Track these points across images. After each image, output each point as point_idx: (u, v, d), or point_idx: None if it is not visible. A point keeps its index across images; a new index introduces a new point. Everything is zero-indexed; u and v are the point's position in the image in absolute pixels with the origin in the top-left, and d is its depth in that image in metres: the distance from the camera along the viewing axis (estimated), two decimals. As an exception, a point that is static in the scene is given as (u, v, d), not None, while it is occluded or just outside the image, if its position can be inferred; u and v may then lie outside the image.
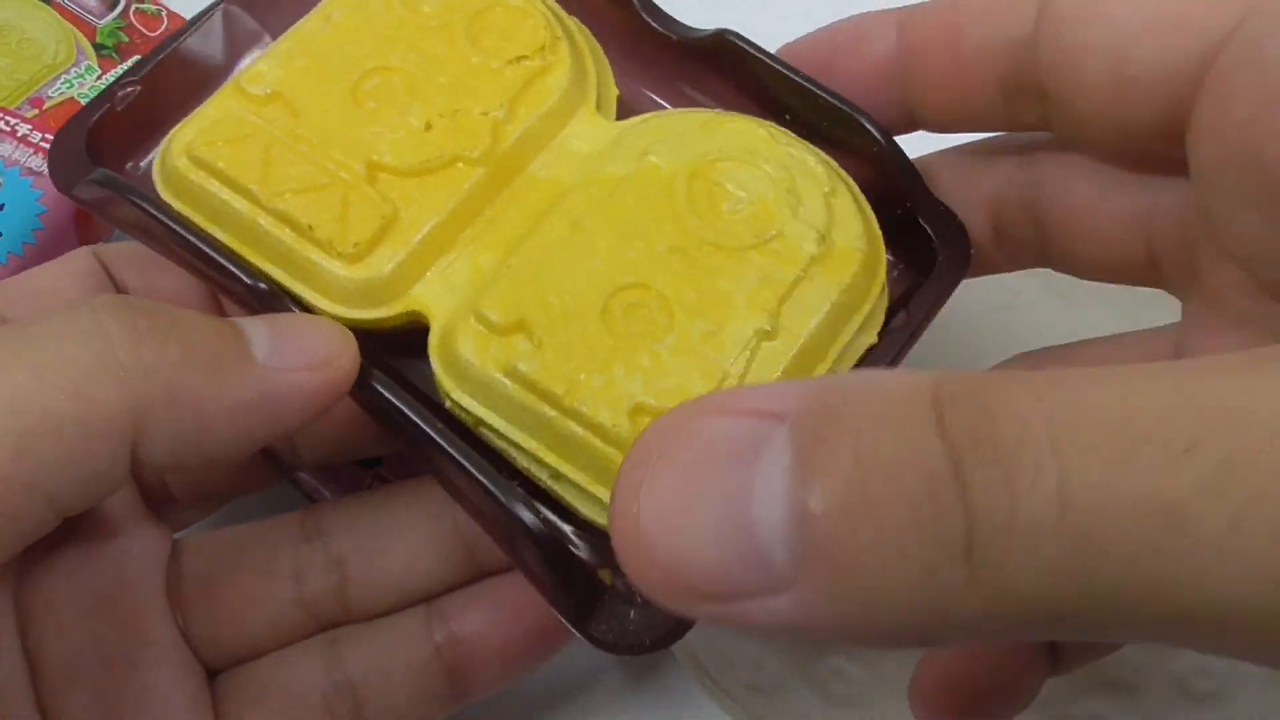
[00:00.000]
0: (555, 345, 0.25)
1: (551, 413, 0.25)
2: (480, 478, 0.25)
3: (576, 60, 0.29)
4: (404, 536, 0.29)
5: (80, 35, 0.41)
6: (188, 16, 0.43)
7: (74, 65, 0.41)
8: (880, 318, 0.27)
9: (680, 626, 0.24)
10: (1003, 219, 0.29)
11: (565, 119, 0.28)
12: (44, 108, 0.39)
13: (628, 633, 0.24)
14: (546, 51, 0.28)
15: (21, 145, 0.38)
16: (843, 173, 0.28)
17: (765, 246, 0.26)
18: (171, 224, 0.26)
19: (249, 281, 0.26)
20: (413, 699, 0.29)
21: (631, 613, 0.24)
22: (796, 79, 0.29)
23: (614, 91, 0.30)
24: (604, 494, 0.24)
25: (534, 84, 0.28)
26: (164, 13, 0.43)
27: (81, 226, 0.39)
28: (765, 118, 0.29)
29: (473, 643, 0.29)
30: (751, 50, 0.29)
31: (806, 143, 0.28)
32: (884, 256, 0.27)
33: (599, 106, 0.29)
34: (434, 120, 0.27)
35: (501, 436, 0.25)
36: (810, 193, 0.27)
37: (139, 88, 0.28)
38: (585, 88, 0.29)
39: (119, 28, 0.42)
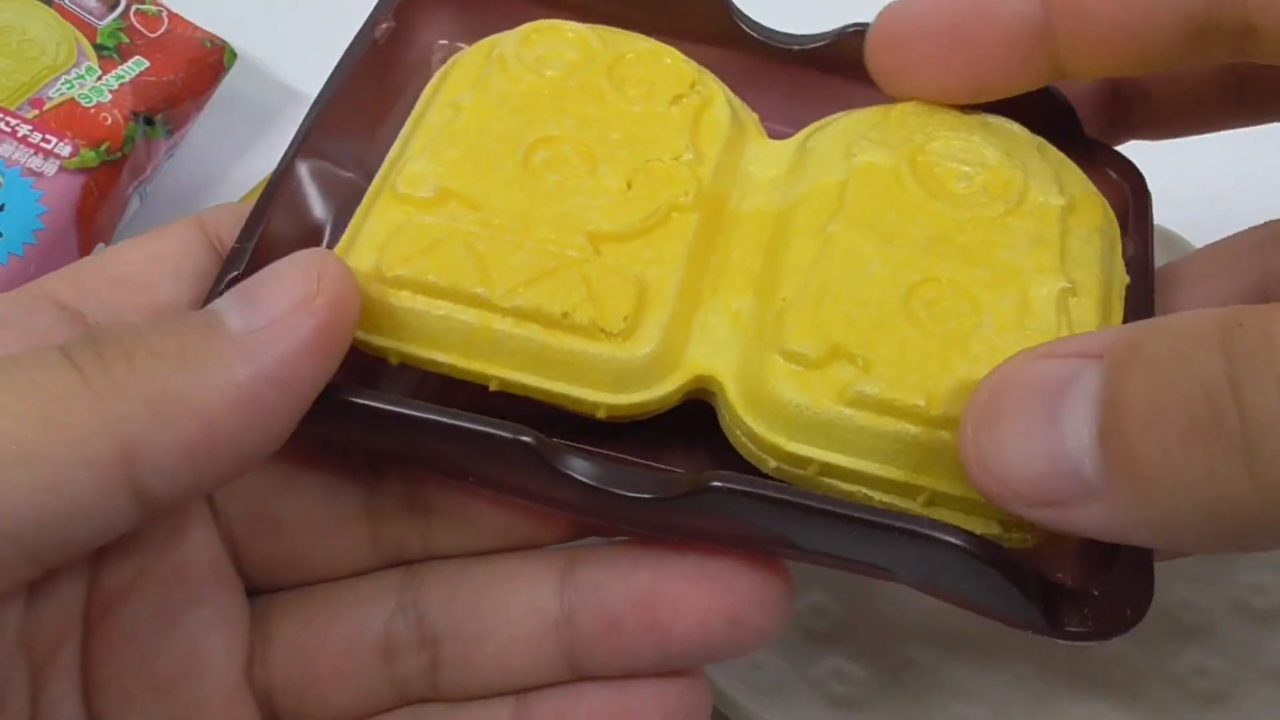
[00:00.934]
0: (883, 360, 0.23)
1: (916, 429, 0.22)
2: (875, 519, 0.22)
3: (724, 90, 0.28)
4: (504, 624, 0.26)
5: (81, 36, 0.41)
6: (188, 17, 0.43)
7: (74, 66, 0.41)
8: (1120, 253, 0.27)
9: (1142, 589, 0.22)
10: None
11: (740, 148, 0.27)
12: (44, 108, 0.39)
13: (1100, 616, 0.22)
14: (699, 86, 0.27)
15: (22, 146, 0.39)
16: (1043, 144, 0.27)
17: (1019, 210, 0.25)
18: (404, 410, 0.23)
19: (510, 436, 0.23)
20: None
21: (1095, 593, 0.23)
22: None
23: (754, 114, 0.28)
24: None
25: (702, 119, 0.27)
26: (164, 13, 0.43)
27: (82, 227, 0.39)
28: None
29: None
30: None
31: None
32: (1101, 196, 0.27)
33: (756, 128, 0.28)
34: (632, 177, 0.25)
35: (854, 477, 0.23)
36: (1024, 151, 0.26)
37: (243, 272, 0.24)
38: (740, 114, 0.28)
39: (119, 28, 0.42)
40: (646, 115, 0.26)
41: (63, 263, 0.38)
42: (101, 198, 0.39)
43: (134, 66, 0.41)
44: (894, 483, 0.23)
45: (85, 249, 0.39)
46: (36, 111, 0.39)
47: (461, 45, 0.29)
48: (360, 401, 0.23)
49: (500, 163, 0.25)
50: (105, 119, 0.40)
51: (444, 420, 0.23)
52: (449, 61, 0.28)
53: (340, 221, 0.26)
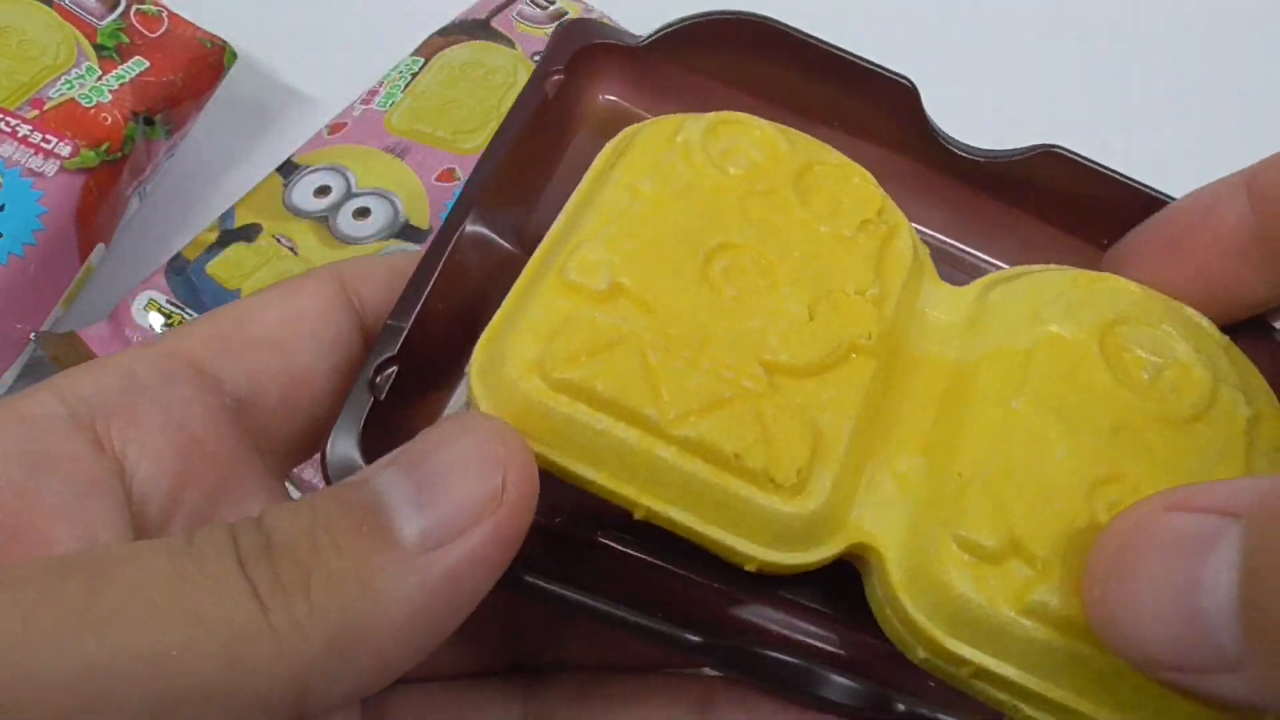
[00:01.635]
0: (1064, 565, 0.21)
1: (1090, 651, 0.21)
2: None
3: (910, 231, 0.26)
4: None
5: (81, 36, 0.41)
6: (188, 17, 0.43)
7: (74, 66, 0.41)
8: None
9: None
10: None
11: (918, 286, 0.25)
12: (44, 108, 0.39)
13: None
14: (885, 213, 0.25)
15: (22, 146, 0.38)
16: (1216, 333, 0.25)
17: (1207, 415, 0.23)
18: (582, 599, 0.22)
19: (696, 642, 0.22)
20: None
21: None
22: (1141, 188, 0.26)
23: (924, 247, 0.26)
24: None
25: (887, 251, 0.24)
26: (164, 13, 0.43)
27: (82, 227, 0.39)
28: (1092, 242, 0.27)
29: None
30: (1084, 163, 0.27)
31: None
32: None
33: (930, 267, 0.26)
34: (814, 305, 0.23)
35: (1010, 688, 0.21)
36: (1212, 350, 0.24)
37: (396, 366, 0.22)
38: (919, 249, 0.26)
39: (119, 28, 0.42)
40: (832, 238, 0.24)
41: (62, 262, 0.38)
42: (101, 198, 0.39)
43: (134, 66, 0.41)
44: (1052, 703, 0.21)
45: (85, 249, 0.39)
46: (36, 111, 0.39)
47: (626, 105, 0.28)
48: (533, 582, 0.22)
49: (679, 265, 0.23)
50: (105, 119, 0.40)
51: (625, 617, 0.22)
52: (625, 134, 0.26)
53: (494, 299, 0.23)
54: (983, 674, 0.21)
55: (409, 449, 0.20)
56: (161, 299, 0.39)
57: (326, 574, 0.19)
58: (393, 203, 0.39)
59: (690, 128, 0.25)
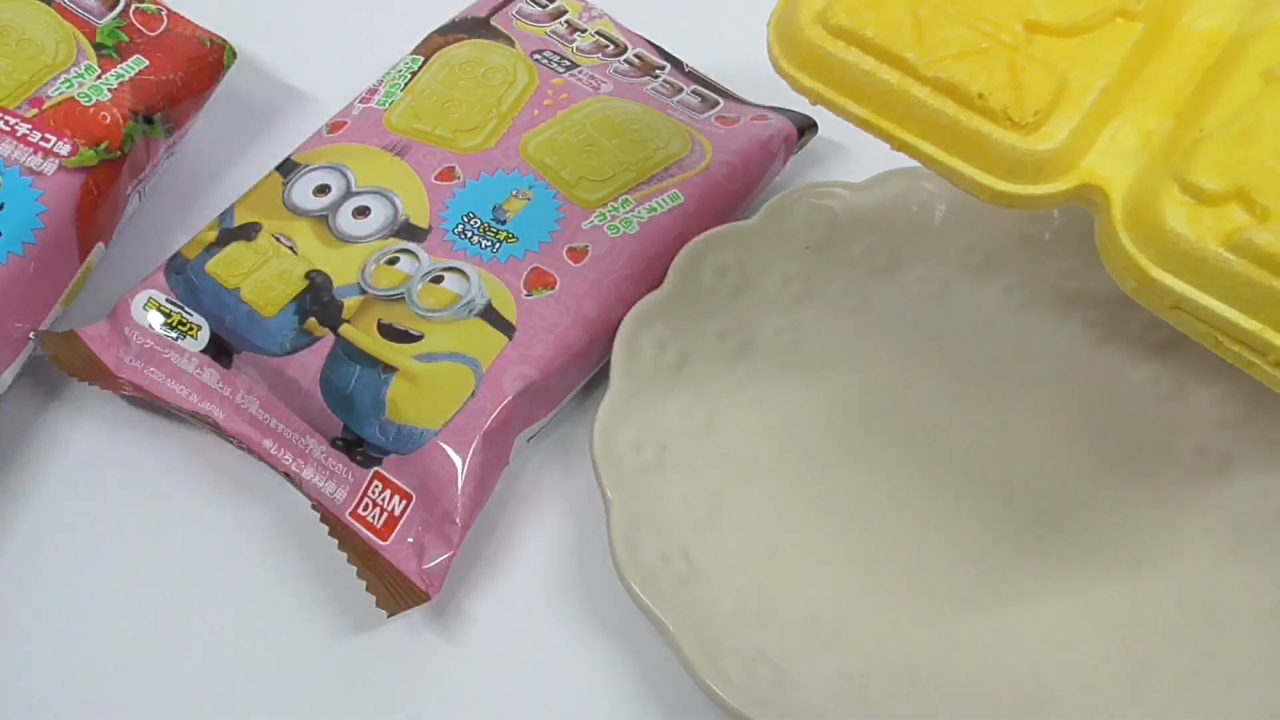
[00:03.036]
0: None
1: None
2: None
3: None
4: None
5: (80, 35, 0.41)
6: (187, 16, 0.43)
7: (74, 65, 0.41)
8: None
9: None
10: None
11: None
12: (44, 107, 0.39)
13: None
14: None
15: (21, 145, 0.38)
16: None
17: None
18: None
19: None
20: None
21: None
22: None
23: None
24: None
25: None
26: (164, 12, 0.43)
27: (82, 226, 0.39)
28: None
29: None
30: None
31: None
32: None
33: None
34: None
35: (1211, 318, 0.23)
36: None
37: None
38: None
39: (119, 27, 0.42)
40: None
41: (62, 261, 0.38)
42: (101, 197, 0.39)
43: (133, 65, 0.41)
44: (1250, 334, 0.23)
45: (84, 248, 0.39)
46: (36, 110, 0.39)
47: None
48: None
49: None
50: (104, 118, 0.40)
51: None
52: None
53: None
54: (1185, 303, 0.23)
55: None
56: (161, 298, 0.39)
57: None
58: (392, 201, 0.39)
59: None
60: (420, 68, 0.43)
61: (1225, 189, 0.23)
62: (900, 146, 0.25)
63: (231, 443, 0.37)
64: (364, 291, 0.38)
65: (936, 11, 0.25)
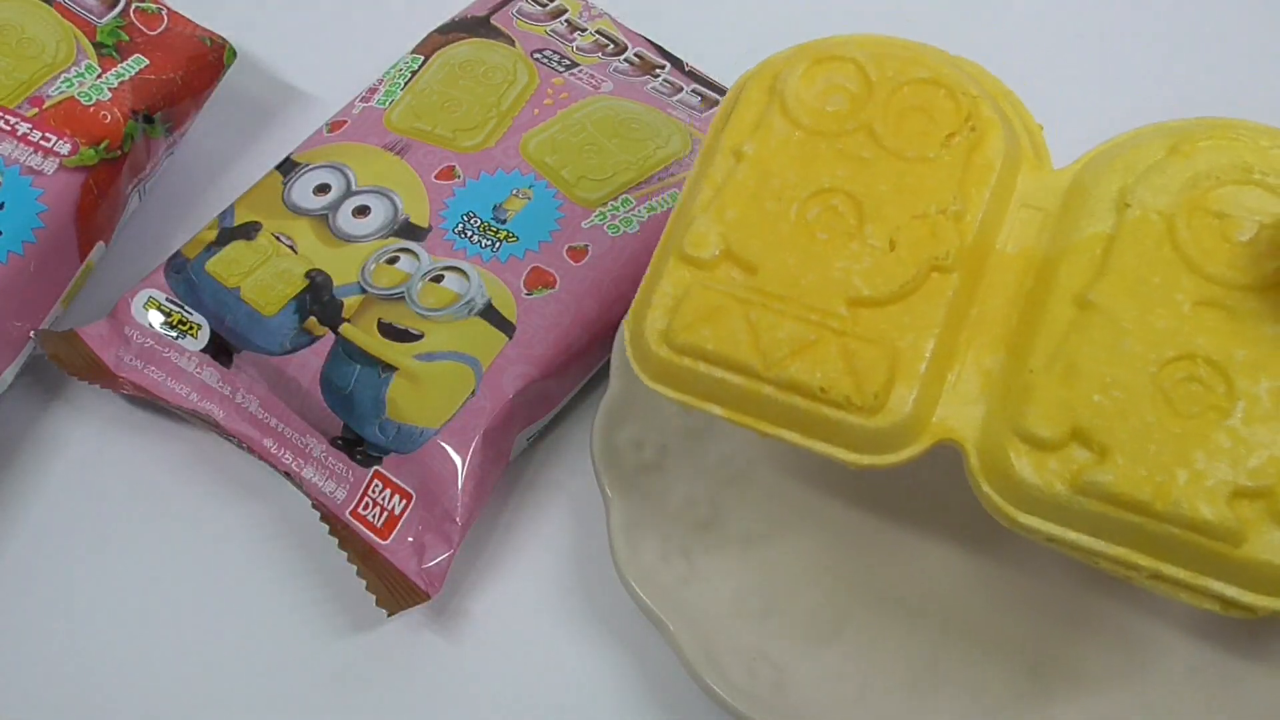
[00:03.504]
0: (1121, 449, 0.24)
1: (1141, 520, 0.24)
2: None
3: (1001, 116, 0.28)
4: None
5: (80, 34, 0.41)
6: (188, 15, 0.43)
7: (74, 64, 0.41)
8: None
9: None
10: None
11: (1012, 181, 0.27)
12: (44, 106, 0.39)
13: None
14: (973, 119, 0.27)
15: (21, 144, 0.38)
16: None
17: None
18: None
19: None
20: None
21: None
22: None
23: (1037, 126, 0.28)
24: (1217, 585, 0.24)
25: (973, 159, 0.27)
26: (164, 11, 0.43)
27: (82, 225, 0.39)
28: None
29: None
30: None
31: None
32: None
33: (1035, 156, 0.28)
34: (895, 234, 0.27)
35: (1079, 548, 0.25)
36: None
37: None
38: (1016, 140, 0.28)
39: (119, 26, 0.42)
40: (918, 161, 0.27)
41: (62, 260, 0.38)
42: (101, 196, 0.39)
43: (133, 64, 0.41)
44: (1117, 558, 0.24)
45: (84, 247, 0.39)
46: (36, 110, 0.39)
47: None
48: None
49: (777, 221, 0.27)
50: (105, 117, 0.40)
51: None
52: (738, 83, 0.29)
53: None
54: (1054, 540, 0.25)
55: None
56: (161, 297, 0.39)
57: None
58: (392, 200, 0.39)
59: (788, 74, 0.29)
60: (420, 67, 0.43)
61: (1060, 434, 0.24)
62: (764, 436, 0.27)
63: (231, 442, 0.37)
64: (364, 290, 0.38)
65: (766, 311, 0.26)
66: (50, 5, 0.42)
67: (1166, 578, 0.24)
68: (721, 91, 0.44)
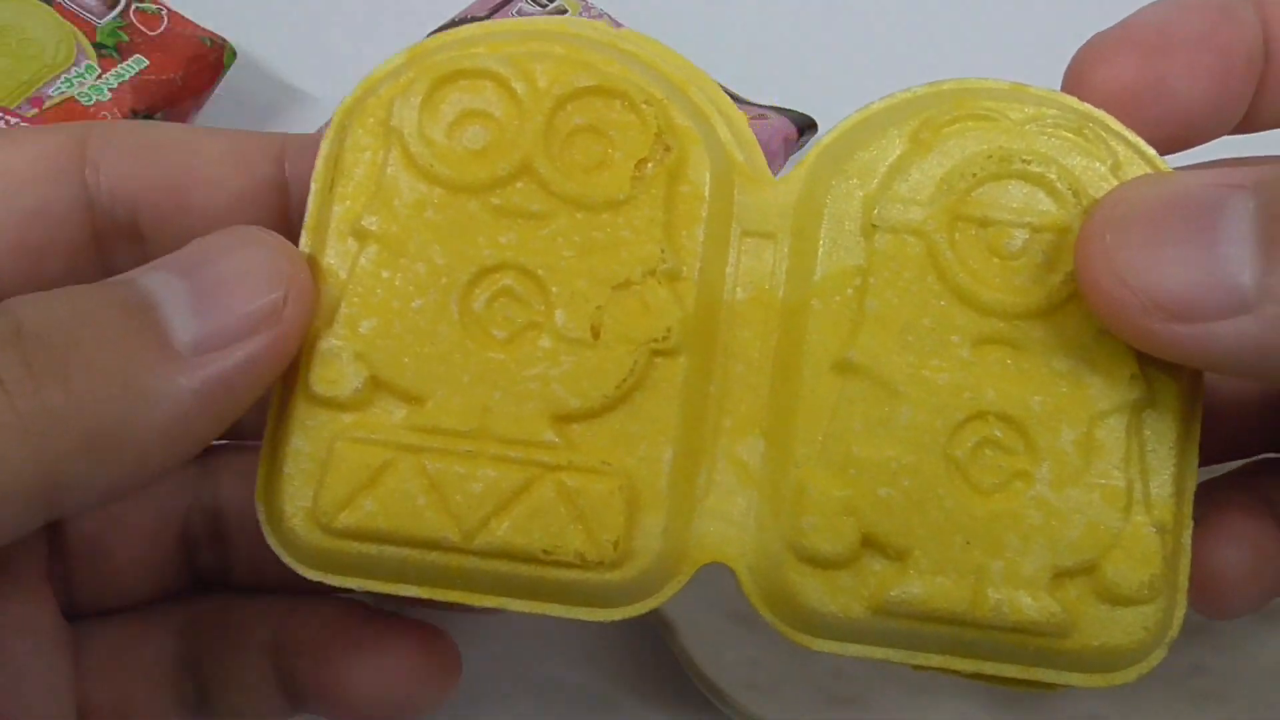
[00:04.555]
0: (923, 550, 0.20)
1: (958, 630, 0.20)
2: None
3: (701, 123, 0.21)
4: None
5: (80, 35, 0.41)
6: (187, 15, 0.43)
7: (74, 65, 0.41)
8: None
9: None
10: None
11: (728, 208, 0.21)
12: (44, 107, 0.39)
13: None
14: (665, 134, 0.21)
15: (22, 144, 0.38)
16: (1104, 117, 0.22)
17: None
18: None
19: None
20: (246, 690, 0.25)
21: None
22: None
23: (741, 116, 0.22)
24: (1048, 675, 0.21)
25: (676, 191, 0.21)
26: (164, 12, 0.43)
27: (82, 226, 0.39)
28: None
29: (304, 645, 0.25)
30: None
31: (1042, 93, 0.22)
32: None
33: (748, 160, 0.22)
34: (597, 317, 0.20)
35: (890, 662, 0.21)
36: (1089, 173, 0.21)
37: None
38: (722, 147, 0.22)
39: (119, 27, 0.42)
40: (605, 207, 0.20)
41: (62, 261, 0.38)
42: (101, 196, 0.39)
43: (133, 65, 0.41)
44: (934, 666, 0.21)
45: (85, 247, 0.39)
46: (36, 110, 0.39)
47: None
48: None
49: (433, 325, 0.20)
50: (105, 117, 0.40)
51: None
52: (332, 125, 0.21)
53: None
54: (863, 657, 0.21)
55: (182, 254, 0.19)
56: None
57: (88, 366, 0.18)
58: (392, 201, 0.39)
59: (403, 109, 0.21)
60: (420, 67, 0.43)
61: (848, 547, 0.20)
62: (488, 610, 0.21)
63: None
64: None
65: (449, 458, 0.20)
66: (50, 6, 0.42)
67: (988, 677, 0.21)
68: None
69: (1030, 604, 0.20)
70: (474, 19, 0.45)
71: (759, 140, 0.44)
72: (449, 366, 0.20)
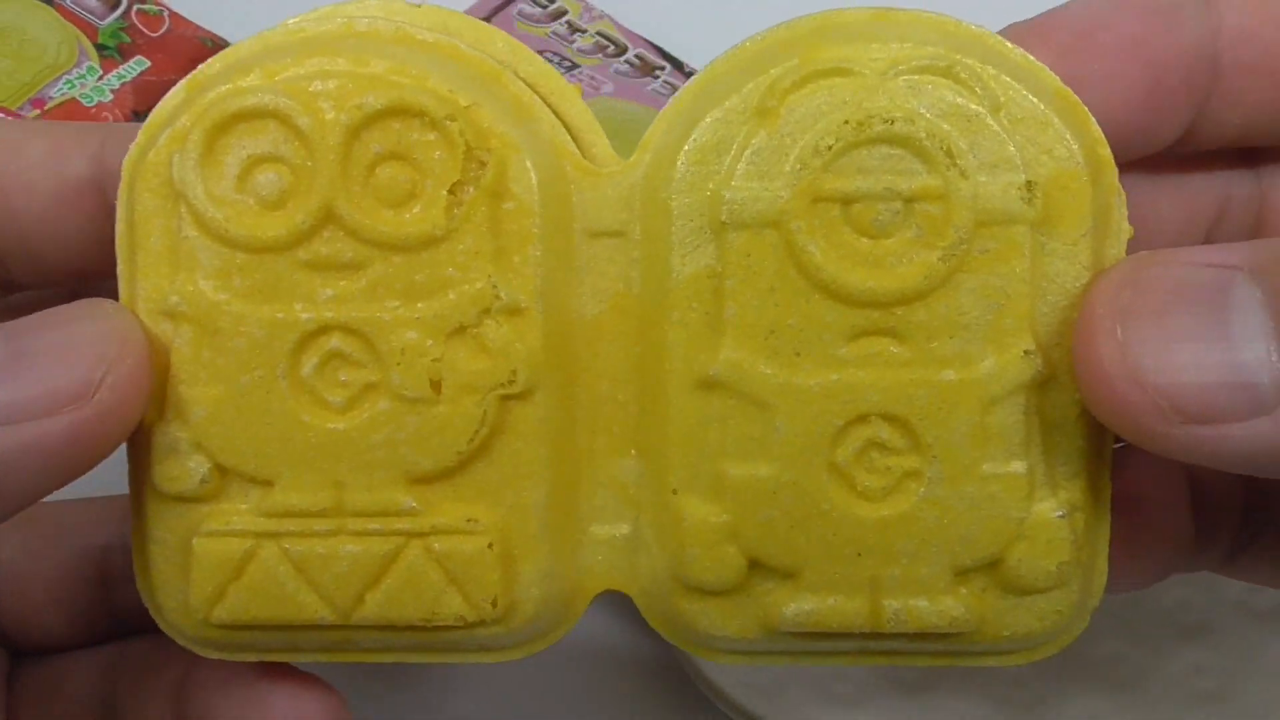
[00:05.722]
0: (813, 568, 0.19)
1: (860, 643, 0.20)
2: None
3: (520, 121, 0.19)
4: None
5: (82, 36, 0.42)
6: (189, 17, 0.43)
7: (75, 66, 0.41)
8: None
9: None
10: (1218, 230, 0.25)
11: (566, 214, 0.19)
12: (45, 108, 0.39)
13: None
14: (476, 148, 0.18)
15: (23, 145, 0.39)
16: (982, 38, 0.19)
17: (970, 258, 0.18)
18: None
19: None
20: None
21: None
22: None
23: (572, 89, 0.20)
24: (970, 662, 0.20)
25: (501, 211, 0.18)
26: (165, 13, 0.43)
27: (83, 226, 0.39)
28: None
29: None
30: None
31: (909, 16, 0.19)
32: (1111, 163, 0.19)
33: (583, 149, 0.20)
34: (435, 371, 0.19)
35: (800, 665, 0.21)
36: (965, 124, 0.18)
37: None
38: (549, 142, 0.19)
39: (121, 28, 0.42)
40: (424, 245, 0.18)
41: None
42: (102, 197, 0.39)
43: (135, 66, 0.41)
44: (845, 663, 0.21)
45: (86, 248, 0.39)
46: (37, 111, 0.39)
47: None
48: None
49: (265, 400, 0.19)
50: (106, 119, 0.40)
51: None
52: (124, 171, 0.19)
53: None
54: (770, 665, 0.21)
55: (24, 319, 0.19)
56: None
57: None
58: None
59: (183, 167, 0.18)
60: (421, 68, 0.43)
61: (734, 576, 0.19)
62: (382, 662, 0.21)
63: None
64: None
65: (308, 539, 0.19)
66: (52, 7, 0.42)
67: (912, 663, 0.21)
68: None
69: (930, 609, 0.19)
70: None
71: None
72: (290, 444, 0.19)
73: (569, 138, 0.19)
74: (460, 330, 0.19)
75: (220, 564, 0.19)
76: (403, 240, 0.18)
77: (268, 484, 0.19)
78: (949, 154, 0.18)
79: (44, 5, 0.42)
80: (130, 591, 0.25)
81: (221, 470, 0.19)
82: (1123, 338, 0.18)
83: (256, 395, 0.19)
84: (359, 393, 0.19)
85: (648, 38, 0.46)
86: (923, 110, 0.18)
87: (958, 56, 0.18)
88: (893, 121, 0.18)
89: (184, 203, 0.18)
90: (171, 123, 0.19)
